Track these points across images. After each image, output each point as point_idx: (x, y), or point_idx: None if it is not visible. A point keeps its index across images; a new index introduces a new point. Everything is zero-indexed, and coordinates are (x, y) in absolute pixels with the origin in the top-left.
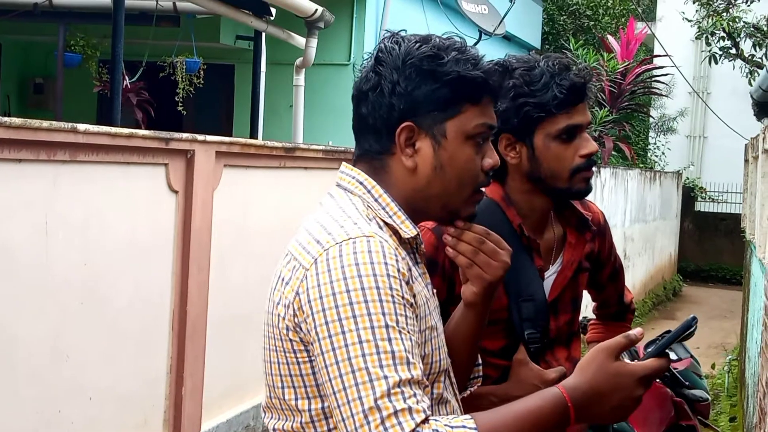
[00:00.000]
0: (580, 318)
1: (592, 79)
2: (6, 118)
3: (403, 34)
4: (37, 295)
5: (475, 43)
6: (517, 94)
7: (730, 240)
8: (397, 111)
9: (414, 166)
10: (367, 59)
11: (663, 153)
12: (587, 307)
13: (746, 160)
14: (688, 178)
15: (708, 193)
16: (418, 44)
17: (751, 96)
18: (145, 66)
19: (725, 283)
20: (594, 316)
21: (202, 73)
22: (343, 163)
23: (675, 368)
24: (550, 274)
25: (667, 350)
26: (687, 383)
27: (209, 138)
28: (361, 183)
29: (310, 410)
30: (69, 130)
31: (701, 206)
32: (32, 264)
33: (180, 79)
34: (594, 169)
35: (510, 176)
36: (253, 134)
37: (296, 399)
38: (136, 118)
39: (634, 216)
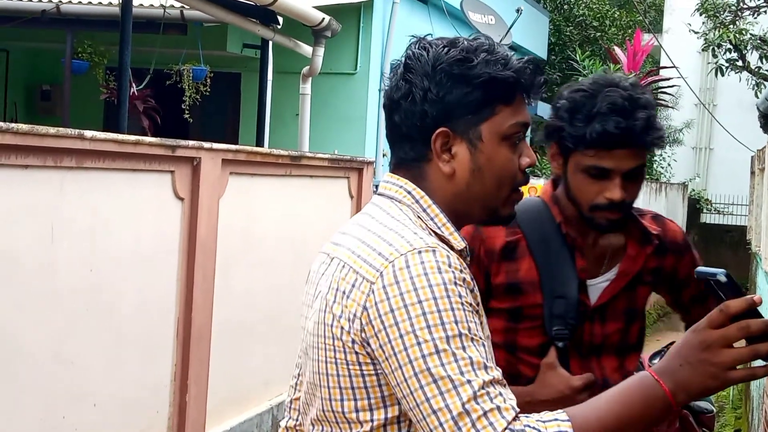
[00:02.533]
0: (649, 357)
1: (646, 128)
2: (13, 125)
3: (429, 38)
4: (42, 301)
5: None
6: (558, 117)
7: (736, 252)
8: (430, 118)
9: (452, 172)
10: (395, 67)
11: (669, 164)
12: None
13: (752, 172)
14: (693, 190)
15: (713, 204)
16: (446, 48)
17: (758, 108)
18: (152, 73)
19: None
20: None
21: (208, 81)
22: (387, 172)
23: None
24: (602, 281)
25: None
26: None
27: (215, 146)
28: (409, 192)
29: (372, 421)
30: (76, 137)
31: (707, 218)
32: (38, 270)
33: (186, 87)
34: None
35: (561, 180)
36: (259, 142)
37: (357, 411)
38: (142, 126)
39: None
